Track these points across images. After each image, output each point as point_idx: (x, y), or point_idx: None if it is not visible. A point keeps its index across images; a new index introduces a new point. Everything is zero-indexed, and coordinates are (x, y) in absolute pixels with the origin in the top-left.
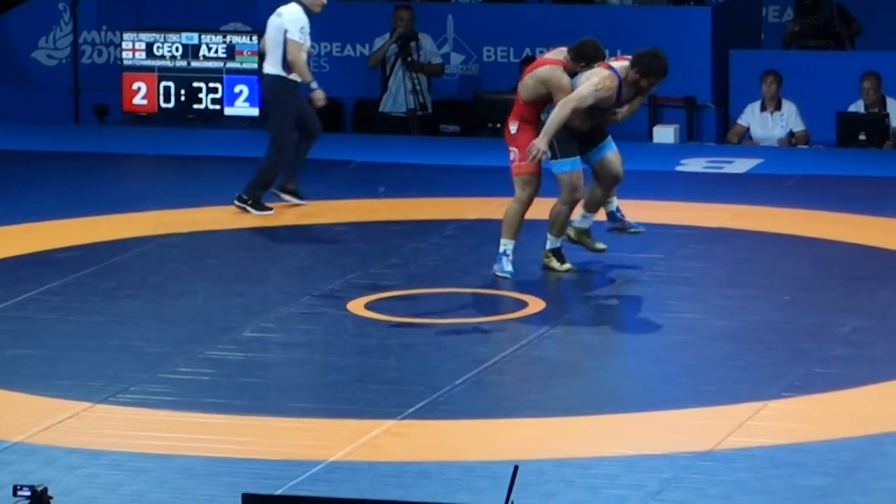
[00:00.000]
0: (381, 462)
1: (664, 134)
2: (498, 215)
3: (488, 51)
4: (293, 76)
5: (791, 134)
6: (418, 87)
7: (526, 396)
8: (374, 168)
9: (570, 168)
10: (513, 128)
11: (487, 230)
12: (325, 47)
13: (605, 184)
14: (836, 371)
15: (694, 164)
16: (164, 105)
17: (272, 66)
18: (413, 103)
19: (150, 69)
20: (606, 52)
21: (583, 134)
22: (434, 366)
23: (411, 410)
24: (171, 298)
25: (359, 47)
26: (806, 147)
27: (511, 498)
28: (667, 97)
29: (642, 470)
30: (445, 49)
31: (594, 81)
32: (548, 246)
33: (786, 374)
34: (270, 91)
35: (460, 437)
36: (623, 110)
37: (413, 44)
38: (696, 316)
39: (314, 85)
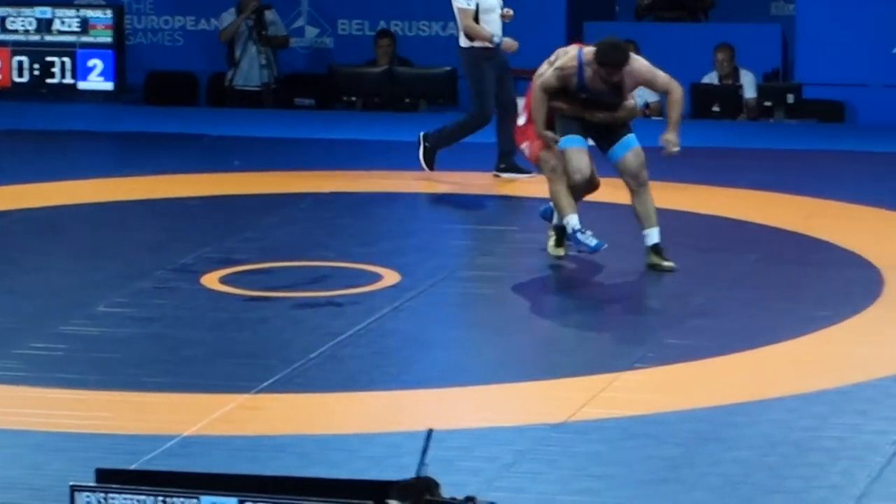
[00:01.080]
0: (236, 436)
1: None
2: (353, 188)
3: (343, 24)
4: (477, 43)
5: (646, 105)
6: (270, 61)
7: (381, 369)
8: (227, 141)
9: (564, 145)
10: (520, 120)
11: (342, 203)
12: (179, 21)
13: (627, 185)
14: (690, 342)
15: None
16: (17, 80)
17: (460, 39)
18: (266, 77)
19: (3, 44)
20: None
21: (598, 127)
22: (289, 339)
23: (266, 384)
24: (25, 273)
25: (212, 20)
26: (660, 118)
27: (425, 461)
28: (521, 69)
29: (496, 442)
30: (300, 22)
31: (556, 62)
32: (554, 221)
33: (639, 345)
34: (460, 64)
35: (315, 411)
36: (630, 102)
37: (263, 17)
38: (548, 288)
39: (496, 39)
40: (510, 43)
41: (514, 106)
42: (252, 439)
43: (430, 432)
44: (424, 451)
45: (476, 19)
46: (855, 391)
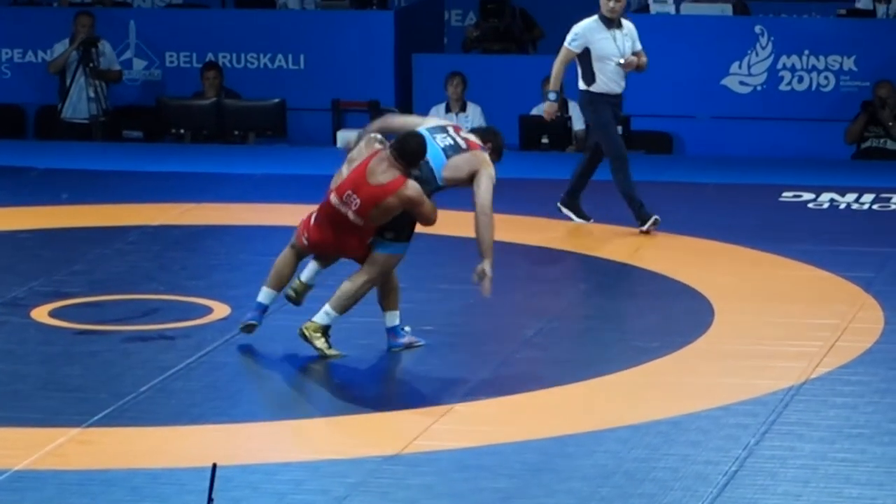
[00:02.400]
0: (66, 470)
1: (348, 138)
2: (183, 220)
3: (171, 56)
4: (592, 87)
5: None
6: (100, 94)
7: (211, 403)
8: (56, 174)
9: (393, 252)
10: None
11: (172, 236)
12: (7, 53)
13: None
14: (521, 373)
15: None
16: None
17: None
18: (95, 110)
19: None
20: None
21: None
22: (119, 373)
23: (96, 418)
24: None
25: (40, 53)
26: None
27: (212, 496)
28: (350, 101)
29: (328, 475)
30: (128, 55)
31: (491, 173)
32: (320, 320)
33: (471, 377)
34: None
35: (146, 444)
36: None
37: (94, 50)
38: (379, 320)
39: (551, 96)
40: (546, 107)
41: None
42: (83, 473)
43: (214, 467)
44: (211, 487)
45: (590, 65)
46: (686, 422)
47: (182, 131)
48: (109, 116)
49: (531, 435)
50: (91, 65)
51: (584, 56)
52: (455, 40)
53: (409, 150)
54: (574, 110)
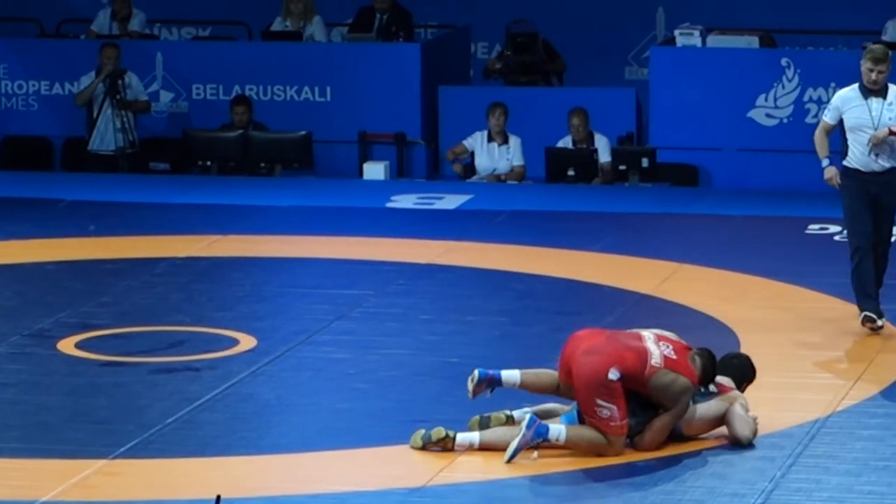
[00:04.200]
0: (93, 502)
1: (374, 170)
2: (209, 252)
3: (197, 88)
4: (845, 161)
5: (511, 168)
6: (127, 125)
7: (238, 434)
8: (83, 206)
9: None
10: (613, 374)
11: (198, 268)
12: (34, 85)
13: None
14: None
15: (405, 201)
16: None
17: None
18: (122, 141)
19: None
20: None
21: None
22: (145, 405)
23: (123, 450)
24: None
25: (67, 85)
26: (516, 183)
27: None
28: (376, 133)
29: None
30: (154, 87)
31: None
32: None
33: (498, 409)
34: None
35: (172, 476)
36: None
37: (120, 81)
38: (407, 352)
39: (824, 163)
40: (827, 174)
41: (886, 246)
42: None
43: (218, 498)
44: None
45: (845, 137)
46: (712, 454)
47: (209, 163)
48: (136, 148)
49: (558, 468)
50: (118, 96)
51: (840, 127)
52: (481, 73)
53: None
54: (600, 142)
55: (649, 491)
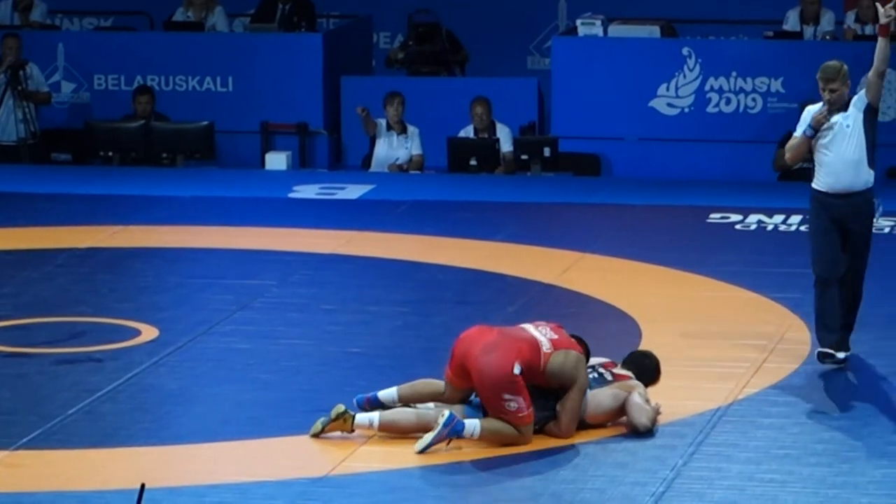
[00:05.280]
0: None
1: (277, 161)
2: (111, 243)
3: (99, 79)
4: (813, 183)
5: (410, 158)
6: (28, 116)
7: (139, 425)
8: None
9: None
10: (517, 369)
11: (100, 258)
12: None
13: None
14: None
15: (307, 191)
16: None
17: None
18: (24, 132)
19: None
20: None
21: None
22: (47, 395)
23: (24, 441)
24: None
25: None
26: (418, 172)
27: None
28: (279, 124)
29: (256, 497)
30: (56, 77)
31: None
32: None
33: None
34: None
35: (74, 467)
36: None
37: (21, 72)
38: (309, 342)
39: (809, 132)
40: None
41: (857, 277)
42: (10, 496)
43: (142, 487)
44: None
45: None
46: (613, 443)
47: (111, 154)
48: (38, 139)
49: (460, 457)
50: (19, 87)
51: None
52: (383, 62)
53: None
54: (502, 132)
55: (551, 480)
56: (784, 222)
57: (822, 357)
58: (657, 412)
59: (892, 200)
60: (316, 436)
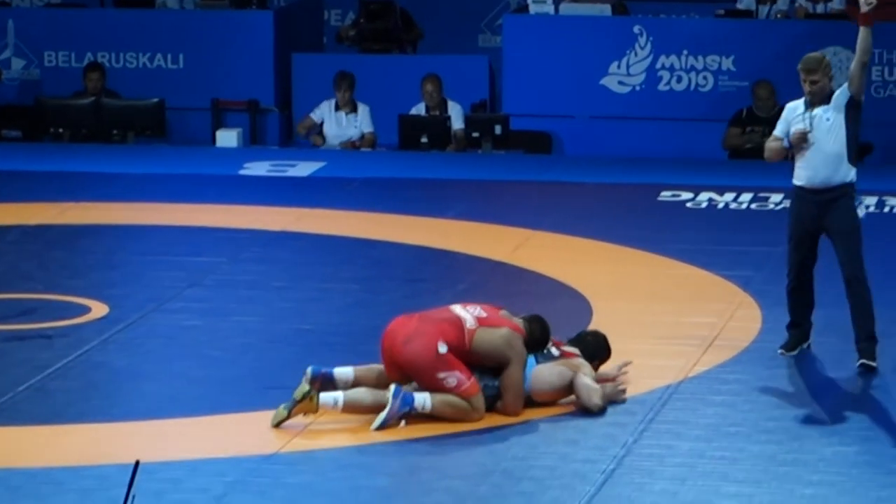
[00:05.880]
0: None
1: (227, 138)
2: (61, 220)
3: (49, 55)
4: (794, 179)
5: (362, 136)
6: None
7: (90, 402)
8: None
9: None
10: (442, 348)
11: (50, 235)
12: None
13: None
14: None
15: (258, 168)
16: None
17: None
18: None
19: None
20: None
21: None
22: None
23: None
24: None
25: None
26: (369, 150)
27: (132, 493)
28: (229, 101)
29: (206, 473)
30: (6, 54)
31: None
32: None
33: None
34: None
35: (23, 444)
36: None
37: None
38: (259, 319)
39: (785, 143)
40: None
41: (859, 283)
42: None
43: (136, 464)
44: (130, 485)
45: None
46: (564, 420)
47: (61, 131)
48: None
49: (409, 434)
50: None
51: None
52: (334, 40)
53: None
54: (453, 110)
55: (502, 456)
56: (735, 200)
57: (783, 348)
58: (623, 393)
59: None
60: (280, 423)
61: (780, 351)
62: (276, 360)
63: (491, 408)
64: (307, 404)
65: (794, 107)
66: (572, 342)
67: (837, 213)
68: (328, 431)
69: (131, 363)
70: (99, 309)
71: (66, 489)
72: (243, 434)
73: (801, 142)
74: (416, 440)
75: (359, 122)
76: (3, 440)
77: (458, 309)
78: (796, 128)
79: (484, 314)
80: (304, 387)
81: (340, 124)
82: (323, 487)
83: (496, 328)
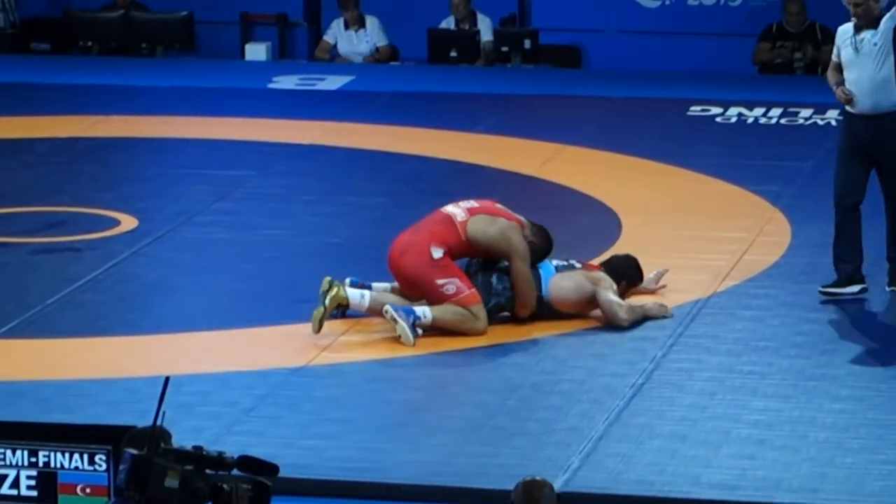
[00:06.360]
0: None
1: (256, 51)
2: (91, 133)
3: None
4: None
5: (376, 49)
6: (7, 5)
7: (119, 315)
8: None
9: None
10: (437, 253)
11: (79, 148)
12: None
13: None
14: None
15: (286, 82)
16: None
17: None
18: (2, 21)
19: None
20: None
21: None
22: (26, 285)
23: (3, 330)
24: None
25: None
26: (398, 64)
27: (163, 409)
28: (258, 14)
29: (235, 386)
30: None
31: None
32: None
33: None
34: None
35: (53, 356)
36: None
37: None
38: (287, 233)
39: (835, 88)
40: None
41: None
42: None
43: (167, 379)
44: (161, 399)
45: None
46: (592, 335)
47: (90, 44)
48: (17, 28)
49: (438, 348)
50: None
51: None
52: None
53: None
54: (482, 23)
55: (530, 371)
56: (764, 115)
57: (822, 291)
58: (661, 306)
59: None
60: (320, 324)
61: (820, 288)
62: (304, 273)
63: (508, 311)
64: (335, 295)
65: (844, 30)
66: (603, 265)
67: (886, 142)
68: (357, 345)
69: (160, 276)
70: (128, 222)
71: (95, 401)
72: (272, 347)
73: (846, 103)
74: (446, 353)
75: (369, 36)
76: (33, 352)
77: (448, 207)
78: (840, 90)
79: (476, 205)
80: (326, 280)
81: (352, 42)
82: (352, 400)
83: (492, 217)
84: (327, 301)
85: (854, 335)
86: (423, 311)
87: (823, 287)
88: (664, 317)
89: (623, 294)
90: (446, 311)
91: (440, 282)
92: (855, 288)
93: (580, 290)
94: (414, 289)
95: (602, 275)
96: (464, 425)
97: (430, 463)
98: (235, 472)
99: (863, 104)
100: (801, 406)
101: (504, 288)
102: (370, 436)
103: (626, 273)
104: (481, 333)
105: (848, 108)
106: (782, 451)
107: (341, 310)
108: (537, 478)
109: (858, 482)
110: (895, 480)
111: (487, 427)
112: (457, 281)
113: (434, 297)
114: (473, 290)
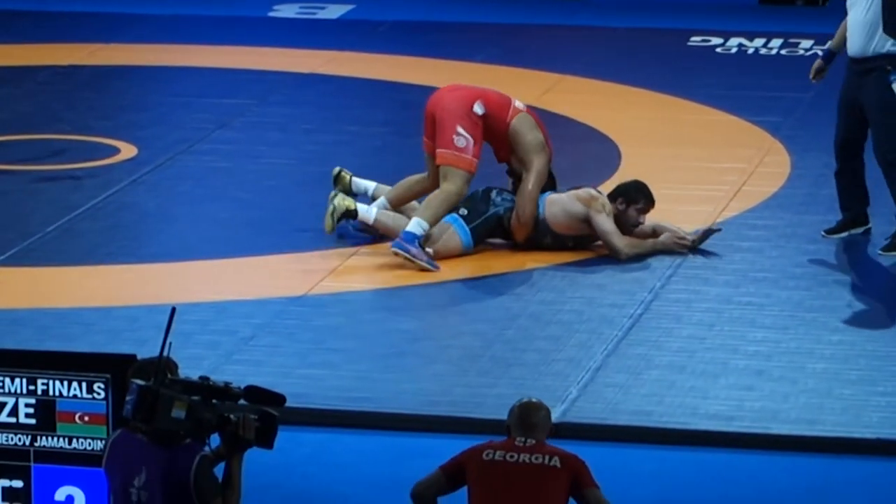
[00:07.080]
0: None
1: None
2: (91, 61)
3: None
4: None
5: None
6: None
7: (118, 243)
8: None
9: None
10: (479, 108)
11: (80, 76)
12: None
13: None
14: None
15: (287, 10)
16: None
17: None
18: None
19: None
20: None
21: None
22: (26, 213)
23: (3, 257)
24: None
25: None
26: None
27: (168, 340)
28: None
29: (234, 315)
30: None
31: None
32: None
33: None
34: None
35: (52, 284)
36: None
37: None
38: (287, 162)
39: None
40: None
41: (893, 168)
42: None
43: (173, 310)
44: (168, 330)
45: None
46: (591, 265)
47: None
48: None
49: (437, 278)
50: None
51: None
52: None
53: None
54: None
55: (529, 300)
56: (765, 46)
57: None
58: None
59: None
60: (333, 224)
61: (822, 233)
62: (304, 202)
63: (489, 235)
64: (341, 184)
65: None
66: (615, 190)
67: (870, 87)
68: (356, 274)
69: (160, 204)
70: (128, 150)
71: (94, 330)
72: (271, 276)
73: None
74: (444, 283)
75: None
76: (33, 281)
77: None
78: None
79: (535, 115)
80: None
81: None
82: (351, 329)
83: (537, 128)
84: (336, 202)
85: (853, 267)
86: (418, 223)
87: (827, 232)
88: (684, 250)
89: (624, 214)
90: (431, 201)
91: (460, 129)
92: (858, 230)
93: (573, 207)
94: (433, 125)
95: (594, 193)
96: (462, 355)
97: (427, 392)
98: (242, 402)
99: (853, 47)
100: (799, 337)
101: (503, 200)
102: (368, 365)
103: (626, 191)
104: (454, 197)
105: (848, 52)
106: (780, 382)
107: (350, 215)
108: (533, 399)
109: (856, 414)
110: (893, 412)
111: (485, 357)
112: (471, 140)
113: (442, 139)
114: (475, 160)
